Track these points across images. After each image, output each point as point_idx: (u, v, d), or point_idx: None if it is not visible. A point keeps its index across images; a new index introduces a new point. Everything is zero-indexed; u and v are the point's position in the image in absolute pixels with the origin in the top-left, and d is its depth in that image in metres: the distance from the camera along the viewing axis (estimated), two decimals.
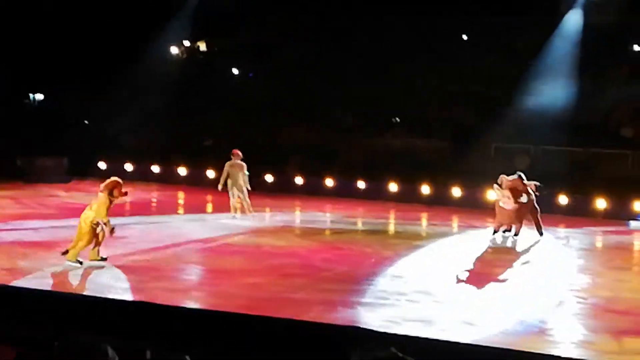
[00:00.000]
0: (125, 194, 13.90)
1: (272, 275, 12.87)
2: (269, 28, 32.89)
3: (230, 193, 20.21)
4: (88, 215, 13.33)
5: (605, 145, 27.07)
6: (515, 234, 18.12)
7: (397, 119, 30.96)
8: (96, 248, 13.45)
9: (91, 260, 13.38)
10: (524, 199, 17.56)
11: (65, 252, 13.21)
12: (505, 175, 17.98)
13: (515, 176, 17.87)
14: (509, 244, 17.69)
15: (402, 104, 30.31)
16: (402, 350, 6.81)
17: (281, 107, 30.96)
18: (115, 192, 13.55)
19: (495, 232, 18.29)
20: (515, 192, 17.51)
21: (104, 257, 13.49)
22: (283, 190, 26.89)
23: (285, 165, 28.32)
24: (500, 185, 17.91)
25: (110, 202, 13.50)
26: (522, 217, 18.05)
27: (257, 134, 29.62)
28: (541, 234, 18.61)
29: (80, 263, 13.21)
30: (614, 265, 15.56)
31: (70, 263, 13.12)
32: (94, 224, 13.26)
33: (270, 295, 11.27)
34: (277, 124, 30.22)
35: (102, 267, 13.18)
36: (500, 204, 17.79)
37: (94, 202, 13.49)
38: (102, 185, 13.58)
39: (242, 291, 11.46)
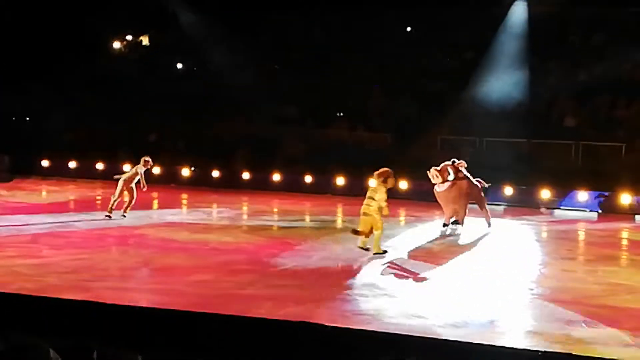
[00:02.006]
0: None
1: (220, 271, 12.78)
2: (212, 21, 32.68)
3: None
4: (372, 205, 14.95)
5: (548, 136, 27.42)
6: (459, 222, 18.22)
7: (341, 113, 30.98)
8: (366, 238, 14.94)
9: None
10: (451, 177, 17.63)
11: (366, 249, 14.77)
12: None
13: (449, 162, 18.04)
14: (456, 235, 17.81)
15: (347, 97, 30.35)
16: (354, 344, 6.80)
17: (224, 100, 30.80)
18: (389, 181, 15.26)
19: (445, 225, 18.43)
20: (444, 172, 17.60)
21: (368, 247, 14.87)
22: (229, 185, 26.78)
23: (231, 160, 28.19)
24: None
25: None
26: (459, 201, 18.04)
27: (201, 128, 29.45)
28: (489, 224, 18.81)
29: (385, 252, 14.72)
30: (560, 256, 15.74)
31: (379, 254, 14.56)
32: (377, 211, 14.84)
33: (218, 292, 11.18)
34: (220, 117, 30.07)
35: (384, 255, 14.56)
36: (436, 189, 17.85)
37: (371, 192, 15.20)
38: (376, 174, 15.33)
39: (190, 288, 11.36)
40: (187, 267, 13.05)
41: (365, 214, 15.09)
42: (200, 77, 32.60)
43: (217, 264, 13.43)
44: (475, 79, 29.30)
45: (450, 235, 17.90)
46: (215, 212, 21.68)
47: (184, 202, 24.07)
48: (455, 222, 18.43)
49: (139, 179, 18.89)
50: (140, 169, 18.88)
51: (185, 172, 28.17)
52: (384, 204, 15.00)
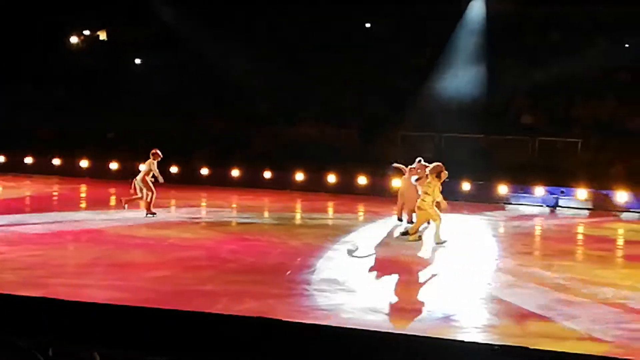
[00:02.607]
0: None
1: (178, 267, 12.73)
2: (176, 18, 32.52)
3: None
4: (426, 199, 15.74)
5: (506, 132, 27.68)
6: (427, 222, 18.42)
7: (307, 110, 31.01)
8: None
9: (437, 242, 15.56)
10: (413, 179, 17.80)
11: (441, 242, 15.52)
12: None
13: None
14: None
15: (311, 93, 30.37)
16: (311, 339, 6.81)
17: (190, 97, 30.70)
18: (442, 175, 15.89)
19: (401, 219, 18.59)
20: (413, 171, 17.97)
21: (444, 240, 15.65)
22: (188, 181, 26.68)
23: (191, 157, 28.09)
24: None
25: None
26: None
27: (165, 125, 29.29)
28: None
29: (445, 242, 15.57)
30: (516, 250, 15.90)
31: (440, 243, 15.50)
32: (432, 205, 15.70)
33: (177, 288, 11.13)
34: (186, 114, 29.95)
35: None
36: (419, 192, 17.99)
37: (425, 187, 15.85)
38: (430, 170, 15.95)
39: (148, 285, 11.30)
40: (145, 264, 12.99)
41: (420, 208, 15.93)
42: (168, 73, 32.42)
43: (175, 260, 13.38)
44: (434, 76, 29.48)
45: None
46: (174, 208, 21.58)
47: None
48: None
49: (153, 174, 18.98)
50: (153, 164, 18.94)
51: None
52: (439, 197, 15.89)
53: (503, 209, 23.12)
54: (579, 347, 8.51)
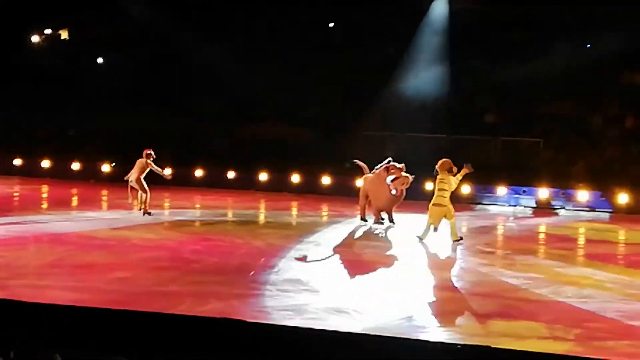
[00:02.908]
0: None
1: (141, 268, 12.64)
2: (134, 16, 32.28)
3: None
4: (445, 195, 16.25)
5: (468, 132, 27.83)
6: (391, 221, 18.52)
7: (267, 109, 30.95)
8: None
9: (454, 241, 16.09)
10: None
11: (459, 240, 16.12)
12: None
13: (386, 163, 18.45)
14: (378, 231, 17.95)
15: (272, 93, 30.31)
16: (275, 339, 6.81)
17: (148, 95, 30.51)
18: (453, 169, 16.51)
19: (365, 219, 18.69)
20: (405, 181, 18.23)
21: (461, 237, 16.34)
22: (151, 181, 26.52)
23: (154, 157, 27.92)
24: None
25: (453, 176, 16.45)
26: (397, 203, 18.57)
27: (124, 124, 29.09)
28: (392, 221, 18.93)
29: (461, 238, 16.22)
30: (479, 249, 15.99)
31: (457, 240, 16.06)
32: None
33: (139, 289, 11.06)
34: (144, 113, 29.75)
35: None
36: (393, 192, 18.09)
37: (441, 184, 16.31)
38: (439, 167, 16.49)
39: (110, 286, 11.21)
40: (108, 265, 12.88)
41: (439, 204, 16.22)
42: (126, 72, 32.23)
43: (138, 261, 13.30)
44: (396, 76, 29.57)
45: (373, 230, 18.06)
46: (137, 208, 21.44)
47: (104, 198, 23.76)
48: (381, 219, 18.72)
49: (148, 171, 19.36)
50: (150, 164, 19.26)
51: (106, 167, 27.80)
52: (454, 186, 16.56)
53: (466, 208, 23.24)
54: (540, 345, 8.57)
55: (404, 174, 18.10)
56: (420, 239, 16.36)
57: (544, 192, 24.64)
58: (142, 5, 31.70)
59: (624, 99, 28.64)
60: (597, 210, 23.95)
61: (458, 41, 29.81)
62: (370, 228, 18.32)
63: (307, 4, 31.46)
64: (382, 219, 18.69)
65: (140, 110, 29.65)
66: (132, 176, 19.22)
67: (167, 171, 20.16)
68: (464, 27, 30.06)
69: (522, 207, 24.26)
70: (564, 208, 24.31)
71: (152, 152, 19.30)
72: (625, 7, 27.68)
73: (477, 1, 30.19)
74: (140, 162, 19.26)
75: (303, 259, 14.13)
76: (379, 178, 18.28)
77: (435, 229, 16.40)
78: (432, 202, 16.42)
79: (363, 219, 18.96)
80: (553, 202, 24.60)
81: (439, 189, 16.35)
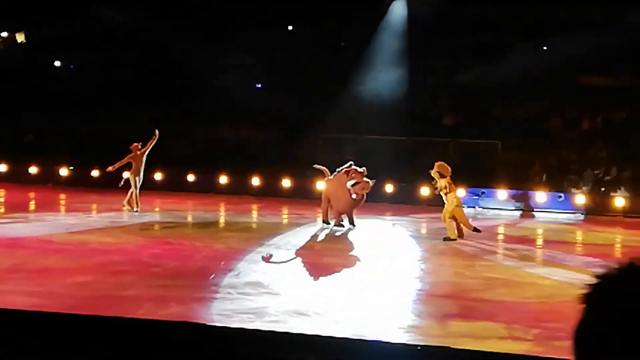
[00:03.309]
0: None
1: (99, 273, 12.53)
2: (92, 20, 32.03)
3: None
4: (452, 199, 17.19)
5: (427, 134, 27.99)
6: (352, 223, 18.52)
7: (225, 112, 30.86)
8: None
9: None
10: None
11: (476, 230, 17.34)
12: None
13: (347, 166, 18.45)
14: (339, 233, 17.99)
15: (231, 95, 30.22)
16: (235, 343, 6.78)
17: (106, 98, 30.30)
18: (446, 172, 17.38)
19: (327, 222, 18.69)
20: (366, 186, 18.15)
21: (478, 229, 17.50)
22: (110, 185, 26.33)
23: (114, 160, 27.72)
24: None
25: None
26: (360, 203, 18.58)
27: (81, 128, 28.83)
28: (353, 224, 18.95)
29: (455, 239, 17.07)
30: (438, 251, 16.09)
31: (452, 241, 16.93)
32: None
33: (98, 294, 10.96)
34: (103, 117, 29.53)
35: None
36: (354, 196, 18.07)
37: (444, 191, 17.26)
38: (434, 172, 17.41)
39: (68, 290, 11.10)
40: (66, 269, 12.75)
41: (457, 205, 17.30)
42: (84, 76, 31.97)
43: (97, 265, 13.17)
44: (356, 78, 29.65)
45: (333, 233, 18.10)
46: (95, 212, 21.27)
47: (62, 202, 23.54)
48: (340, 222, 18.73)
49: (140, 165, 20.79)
50: (142, 152, 20.92)
51: (64, 171, 27.56)
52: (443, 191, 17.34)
53: (426, 210, 23.34)
54: (499, 346, 8.63)
55: (365, 179, 18.10)
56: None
57: (502, 194, 24.85)
58: (101, 8, 31.46)
59: (582, 100, 28.97)
60: (555, 211, 24.18)
61: (417, 43, 29.96)
62: (332, 231, 18.35)
63: (267, 5, 31.44)
64: (343, 222, 18.71)
65: (98, 114, 29.43)
66: (130, 176, 20.56)
67: (156, 132, 21.26)
68: (423, 29, 30.22)
69: (481, 209, 24.42)
70: (522, 209, 24.53)
71: (139, 144, 20.96)
72: (582, 10, 28.03)
73: (436, 3, 30.36)
74: (134, 156, 20.69)
75: (268, 258, 14.16)
76: (340, 181, 18.29)
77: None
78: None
79: (325, 221, 18.98)
80: (511, 204, 24.82)
81: (446, 192, 17.35)
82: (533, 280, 12.92)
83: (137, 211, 20.43)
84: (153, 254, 14.39)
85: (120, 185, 21.16)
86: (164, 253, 14.57)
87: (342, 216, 18.70)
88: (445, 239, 16.91)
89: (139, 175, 20.71)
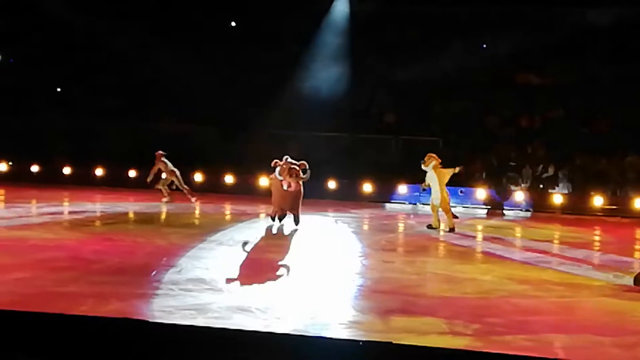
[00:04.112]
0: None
1: (39, 269, 12.37)
2: (31, 13, 31.58)
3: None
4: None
5: (369, 131, 28.17)
6: (296, 222, 18.50)
7: (167, 106, 30.69)
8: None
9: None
10: (293, 180, 17.92)
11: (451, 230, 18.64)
12: (278, 160, 18.28)
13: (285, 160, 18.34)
14: (282, 230, 18.02)
15: (174, 91, 30.07)
16: (177, 339, 6.79)
17: (44, 93, 29.92)
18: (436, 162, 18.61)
19: (273, 218, 18.65)
20: (292, 172, 17.89)
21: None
22: (50, 181, 26.02)
23: (52, 156, 27.41)
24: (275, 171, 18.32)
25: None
26: (298, 201, 18.35)
27: (20, 123, 28.46)
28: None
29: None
30: (380, 247, 16.21)
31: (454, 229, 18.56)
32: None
33: (38, 290, 10.82)
34: (42, 111, 29.16)
35: None
36: (284, 186, 17.91)
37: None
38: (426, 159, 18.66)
39: (6, 287, 10.94)
40: (4, 265, 12.56)
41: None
42: (18, 69, 31.51)
43: (36, 262, 13.00)
44: (297, 74, 29.69)
45: (277, 229, 18.12)
46: (35, 208, 20.99)
47: (1, 198, 23.19)
48: (282, 217, 18.70)
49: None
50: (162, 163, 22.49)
51: (3, 166, 27.15)
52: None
53: (367, 206, 23.50)
54: (440, 341, 8.73)
55: (290, 165, 18.06)
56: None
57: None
58: (43, 1, 31.03)
59: (520, 99, 29.38)
60: (494, 208, 24.50)
61: (358, 40, 30.11)
62: (274, 227, 18.37)
63: (209, 1, 31.33)
64: (282, 218, 18.68)
65: (37, 109, 29.07)
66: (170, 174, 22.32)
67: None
68: (364, 26, 30.38)
69: (422, 205, 24.64)
70: (462, 206, 24.82)
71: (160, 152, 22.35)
72: (520, 9, 28.44)
73: (376, 1, 30.55)
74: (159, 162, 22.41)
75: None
76: (275, 177, 18.33)
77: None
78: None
79: (272, 217, 18.91)
80: (452, 200, 25.10)
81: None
82: (473, 275, 13.08)
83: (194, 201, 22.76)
84: (94, 250, 14.25)
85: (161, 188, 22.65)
86: (105, 249, 14.44)
87: (289, 214, 18.62)
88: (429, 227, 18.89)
89: (174, 173, 22.50)
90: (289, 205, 18.38)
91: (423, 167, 18.61)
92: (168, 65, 30.22)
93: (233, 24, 34.15)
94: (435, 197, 18.58)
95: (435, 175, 18.49)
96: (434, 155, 18.69)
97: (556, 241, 19.30)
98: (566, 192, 25.83)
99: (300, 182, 18.14)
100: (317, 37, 31.13)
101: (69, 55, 31.34)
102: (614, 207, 24.89)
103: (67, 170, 27.06)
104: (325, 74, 29.87)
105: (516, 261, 15.03)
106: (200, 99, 29.96)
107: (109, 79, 30.35)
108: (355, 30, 30.46)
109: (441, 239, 18.71)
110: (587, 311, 10.79)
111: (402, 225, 21.20)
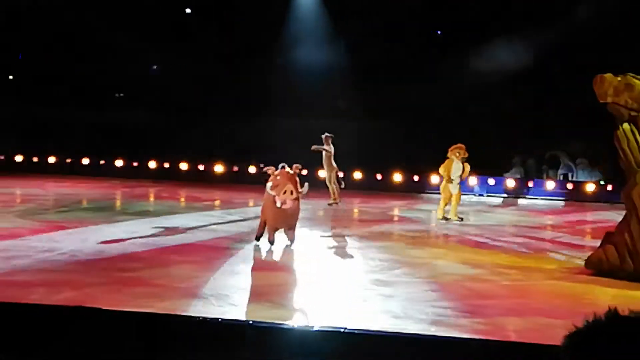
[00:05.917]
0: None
1: None
2: None
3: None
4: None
5: (321, 117, 28.15)
6: (291, 241, 14.44)
7: (121, 94, 30.43)
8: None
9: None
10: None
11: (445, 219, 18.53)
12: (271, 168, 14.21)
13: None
14: (236, 215, 17.99)
15: (131, 78, 29.80)
16: (133, 327, 6.76)
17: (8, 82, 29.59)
18: (461, 152, 18.11)
19: (259, 238, 14.55)
20: (287, 190, 13.60)
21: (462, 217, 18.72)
22: (4, 169, 25.77)
23: (3, 144, 27.13)
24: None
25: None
26: (296, 219, 14.48)
27: None
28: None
29: (462, 219, 18.65)
30: (335, 233, 16.36)
31: (455, 220, 18.49)
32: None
33: None
34: (4, 100, 28.82)
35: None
36: (278, 204, 13.59)
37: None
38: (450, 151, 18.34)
39: None
40: None
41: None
42: None
43: None
44: (256, 62, 29.61)
45: (232, 214, 18.11)
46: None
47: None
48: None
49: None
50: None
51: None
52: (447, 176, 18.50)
53: (326, 196, 23.52)
54: (395, 325, 8.79)
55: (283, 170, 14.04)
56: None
57: (397, 176, 25.31)
58: None
59: None
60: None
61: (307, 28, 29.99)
62: (227, 214, 18.31)
63: None
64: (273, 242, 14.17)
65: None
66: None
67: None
68: (310, 15, 30.24)
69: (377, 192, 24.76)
70: (418, 192, 24.98)
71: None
72: None
73: None
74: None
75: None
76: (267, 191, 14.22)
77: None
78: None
79: (257, 237, 14.54)
80: (404, 186, 25.33)
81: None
82: (426, 260, 13.18)
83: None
84: (47, 238, 14.12)
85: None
86: (57, 237, 14.31)
87: (283, 233, 14.50)
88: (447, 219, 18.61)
89: (332, 170, 21.39)
90: (287, 225, 14.19)
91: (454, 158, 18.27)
92: (127, 52, 29.75)
93: (188, 10, 33.81)
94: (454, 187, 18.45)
95: (461, 166, 18.31)
96: (462, 146, 18.32)
97: (510, 226, 19.55)
98: (519, 177, 26.12)
99: (299, 199, 14.03)
100: (284, 25, 30.80)
101: (22, 42, 30.83)
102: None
103: (19, 159, 26.80)
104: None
105: (469, 246, 15.21)
106: (157, 86, 29.67)
107: (68, 67, 29.86)
108: (303, 17, 30.28)
109: (395, 224, 18.83)
110: (540, 294, 10.92)
111: (357, 210, 21.29)
